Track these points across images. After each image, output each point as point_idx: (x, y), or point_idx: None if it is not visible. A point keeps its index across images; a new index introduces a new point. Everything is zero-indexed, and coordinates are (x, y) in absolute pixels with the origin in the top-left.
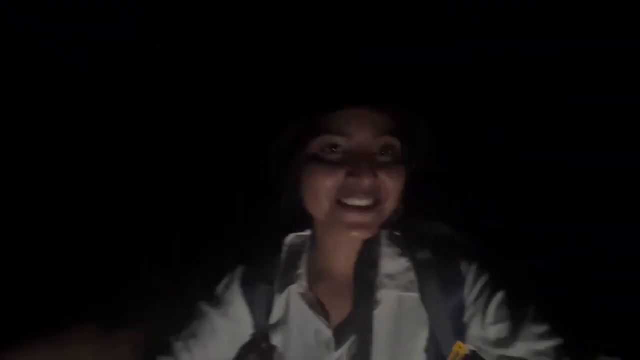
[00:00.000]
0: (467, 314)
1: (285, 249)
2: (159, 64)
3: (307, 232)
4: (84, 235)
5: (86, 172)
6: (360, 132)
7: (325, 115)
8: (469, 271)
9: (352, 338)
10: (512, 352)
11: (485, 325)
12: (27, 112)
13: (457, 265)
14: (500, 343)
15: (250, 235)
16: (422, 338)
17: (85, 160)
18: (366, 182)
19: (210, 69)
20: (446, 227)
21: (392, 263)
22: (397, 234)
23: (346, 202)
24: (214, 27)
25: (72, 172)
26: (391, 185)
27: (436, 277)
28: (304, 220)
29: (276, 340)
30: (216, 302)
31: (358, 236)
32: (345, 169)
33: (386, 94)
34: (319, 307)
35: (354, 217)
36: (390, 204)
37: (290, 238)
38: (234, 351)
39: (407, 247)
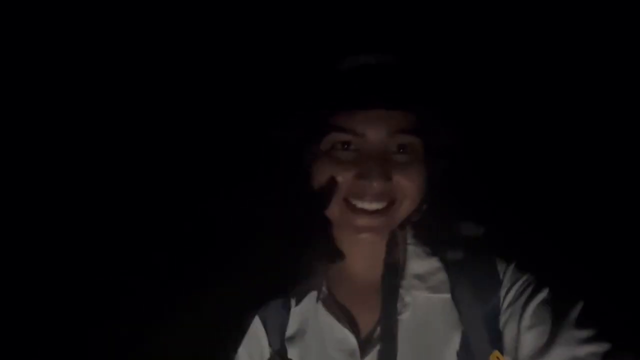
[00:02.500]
0: (502, 319)
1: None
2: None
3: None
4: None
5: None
6: (374, 130)
7: (335, 113)
8: (507, 271)
9: (379, 346)
10: (548, 359)
11: (521, 330)
12: (28, 112)
13: (494, 265)
14: (537, 350)
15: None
16: (454, 342)
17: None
18: (376, 186)
19: (216, 70)
20: (479, 226)
21: (421, 263)
22: (425, 233)
23: (355, 204)
24: (224, 24)
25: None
26: (408, 185)
27: (470, 278)
28: (319, 222)
29: (293, 354)
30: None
31: (367, 238)
32: (355, 169)
33: (405, 94)
34: (341, 314)
35: (362, 221)
36: (406, 206)
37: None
38: None
39: (436, 247)
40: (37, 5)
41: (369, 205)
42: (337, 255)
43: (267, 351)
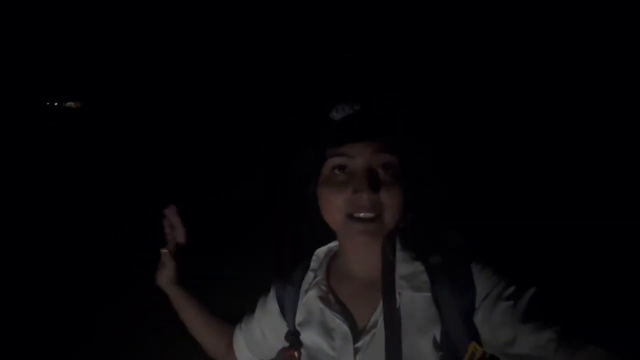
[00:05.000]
0: (477, 314)
1: (314, 257)
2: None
3: (335, 243)
4: None
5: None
6: (361, 153)
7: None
8: (479, 273)
9: (372, 332)
10: (517, 349)
11: (493, 324)
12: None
13: (468, 267)
14: (507, 341)
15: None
16: (433, 334)
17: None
18: (366, 197)
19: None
20: (457, 234)
21: (407, 266)
22: (411, 239)
23: (354, 215)
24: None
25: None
26: (389, 200)
27: (448, 278)
28: (329, 231)
29: (303, 336)
30: (260, 303)
31: (366, 241)
32: (350, 187)
33: (384, 129)
34: (337, 307)
35: (360, 227)
36: (392, 216)
37: (320, 249)
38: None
39: (420, 252)
40: (37, 5)
41: (364, 214)
42: (341, 258)
43: (282, 325)
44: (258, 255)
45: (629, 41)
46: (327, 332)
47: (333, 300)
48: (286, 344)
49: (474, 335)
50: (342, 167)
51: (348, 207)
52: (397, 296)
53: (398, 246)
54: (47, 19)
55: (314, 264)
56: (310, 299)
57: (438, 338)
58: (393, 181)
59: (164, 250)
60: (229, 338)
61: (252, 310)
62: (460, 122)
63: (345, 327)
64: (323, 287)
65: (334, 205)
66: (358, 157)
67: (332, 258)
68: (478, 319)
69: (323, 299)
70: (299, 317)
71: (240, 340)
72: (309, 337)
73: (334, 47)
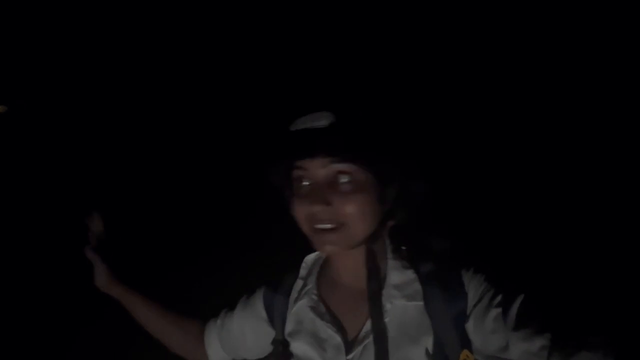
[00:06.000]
0: (469, 323)
1: (303, 265)
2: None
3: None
4: None
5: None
6: (311, 164)
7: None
8: (470, 281)
9: (364, 342)
10: (509, 356)
11: (485, 332)
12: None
13: (459, 276)
14: (499, 349)
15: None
16: (426, 343)
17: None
18: (320, 209)
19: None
20: (447, 241)
21: (399, 275)
22: (403, 248)
23: (316, 227)
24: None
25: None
26: (349, 209)
27: (440, 287)
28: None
29: (293, 346)
30: (243, 303)
31: (334, 251)
32: (308, 199)
33: (340, 147)
34: (328, 317)
35: (322, 238)
36: (354, 226)
37: (309, 256)
38: (259, 348)
39: (412, 260)
40: (38, 6)
41: (323, 225)
42: (328, 267)
43: (269, 331)
44: (246, 258)
45: (629, 41)
46: (319, 342)
47: (324, 310)
48: (268, 347)
49: (466, 343)
50: (301, 179)
51: (309, 218)
52: (389, 305)
53: (389, 255)
54: None
55: (303, 271)
56: (300, 309)
57: (430, 348)
58: (353, 190)
59: (89, 252)
60: (196, 333)
61: (229, 307)
62: (446, 124)
63: (337, 338)
64: (313, 297)
65: (300, 217)
66: (312, 169)
67: (322, 266)
68: (470, 326)
69: (314, 308)
70: (288, 327)
71: (214, 336)
72: (300, 347)
73: (313, 54)
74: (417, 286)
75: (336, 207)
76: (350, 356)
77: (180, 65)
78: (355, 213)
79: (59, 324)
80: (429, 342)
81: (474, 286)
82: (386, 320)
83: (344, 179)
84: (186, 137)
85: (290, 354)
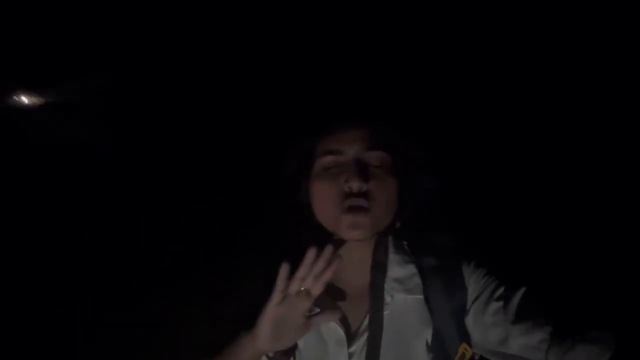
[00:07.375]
0: (469, 316)
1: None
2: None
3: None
4: None
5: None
6: (352, 148)
7: (322, 138)
8: (471, 275)
9: (365, 336)
10: (508, 350)
11: (485, 326)
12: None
13: (460, 270)
14: (499, 342)
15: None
16: (425, 336)
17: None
18: (357, 185)
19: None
20: (448, 236)
21: (400, 269)
22: (404, 242)
23: (346, 204)
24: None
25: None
26: (379, 194)
27: (440, 280)
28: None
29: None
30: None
31: (359, 235)
32: (343, 177)
33: (369, 113)
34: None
35: (352, 219)
36: (380, 211)
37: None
38: None
39: (413, 255)
40: (38, 6)
41: (355, 202)
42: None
43: None
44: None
45: (629, 41)
46: (322, 336)
47: (328, 303)
48: None
49: (465, 337)
50: (334, 163)
51: (340, 196)
52: (389, 298)
53: (391, 249)
54: None
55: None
56: None
57: (429, 340)
58: (384, 176)
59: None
60: None
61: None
62: (456, 120)
63: (340, 332)
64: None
65: (327, 197)
66: (348, 150)
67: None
68: (469, 320)
69: (317, 302)
70: None
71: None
72: (303, 340)
73: (331, 46)
74: (418, 280)
75: (371, 187)
76: (352, 349)
77: (174, 69)
78: (385, 197)
79: (59, 325)
80: (428, 335)
81: (474, 280)
82: (386, 313)
83: (376, 162)
84: (187, 138)
85: (294, 346)
